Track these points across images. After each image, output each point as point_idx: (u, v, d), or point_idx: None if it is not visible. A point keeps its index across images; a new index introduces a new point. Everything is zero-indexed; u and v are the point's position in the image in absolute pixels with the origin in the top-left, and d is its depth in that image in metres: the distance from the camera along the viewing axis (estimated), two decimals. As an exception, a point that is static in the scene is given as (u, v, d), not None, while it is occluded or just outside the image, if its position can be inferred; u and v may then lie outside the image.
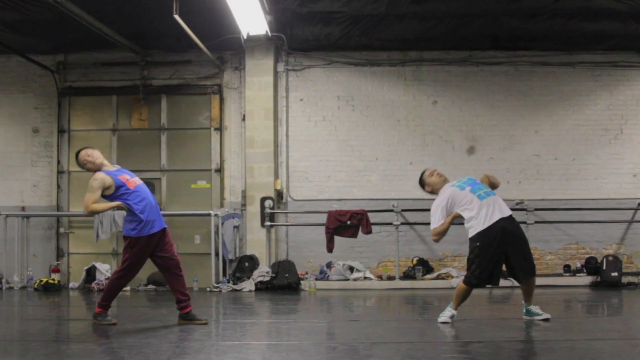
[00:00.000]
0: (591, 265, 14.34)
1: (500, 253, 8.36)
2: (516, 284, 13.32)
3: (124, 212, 8.74)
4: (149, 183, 14.60)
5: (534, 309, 8.75)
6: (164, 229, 8.71)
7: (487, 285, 8.68)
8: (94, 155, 8.62)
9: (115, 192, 8.48)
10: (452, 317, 8.62)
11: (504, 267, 8.61)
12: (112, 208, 8.72)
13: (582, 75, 15.33)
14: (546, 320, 8.60)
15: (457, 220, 8.61)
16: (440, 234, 8.62)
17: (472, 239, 8.44)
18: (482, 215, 8.36)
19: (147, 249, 8.56)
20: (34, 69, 15.59)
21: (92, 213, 8.82)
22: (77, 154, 8.81)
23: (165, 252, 8.70)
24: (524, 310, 8.83)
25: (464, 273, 14.07)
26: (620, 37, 14.50)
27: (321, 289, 13.84)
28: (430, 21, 13.98)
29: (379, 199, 15.05)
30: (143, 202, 8.50)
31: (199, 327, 8.49)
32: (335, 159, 15.35)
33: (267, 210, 14.82)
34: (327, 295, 13.09)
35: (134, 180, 8.64)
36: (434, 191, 8.87)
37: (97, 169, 8.57)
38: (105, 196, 8.52)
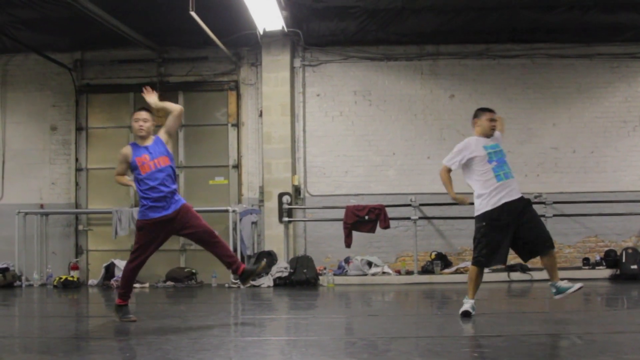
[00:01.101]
0: (610, 258, 14.24)
1: (509, 232, 8.36)
2: (535, 277, 13.38)
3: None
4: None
5: (563, 284, 8.53)
6: (179, 211, 8.61)
7: (495, 266, 8.60)
8: (137, 125, 8.72)
9: (130, 170, 8.67)
10: (472, 307, 8.54)
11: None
12: (128, 186, 8.77)
13: (600, 67, 15.24)
14: (580, 289, 8.42)
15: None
16: (442, 178, 8.79)
17: (479, 218, 8.45)
18: (493, 195, 8.39)
19: (154, 232, 8.54)
20: (52, 67, 15.68)
21: (118, 183, 8.98)
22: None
23: (192, 227, 8.63)
24: (553, 290, 8.57)
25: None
26: (639, 29, 14.40)
27: (339, 284, 13.82)
28: (447, 14, 13.96)
29: (396, 194, 15.00)
30: (150, 191, 8.46)
31: (217, 324, 8.50)
32: (353, 154, 15.33)
33: (285, 206, 14.83)
34: (346, 291, 13.09)
35: (153, 164, 8.56)
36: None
37: (139, 136, 8.71)
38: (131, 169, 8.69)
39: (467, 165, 8.63)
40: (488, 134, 8.76)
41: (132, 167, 8.59)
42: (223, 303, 11.20)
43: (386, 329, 8.23)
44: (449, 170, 8.74)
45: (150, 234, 8.55)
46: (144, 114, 8.75)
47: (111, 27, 13.41)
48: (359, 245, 14.58)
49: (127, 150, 8.65)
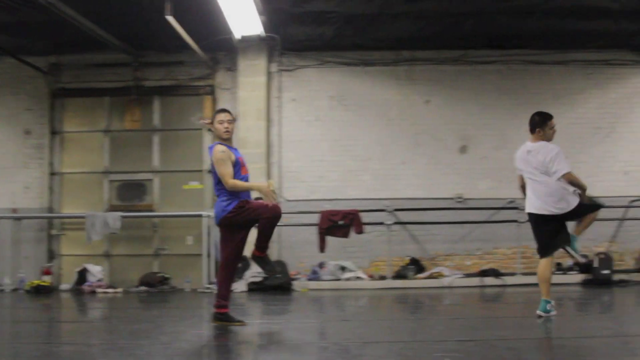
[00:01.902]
0: (583, 263, 14.32)
1: None
2: (507, 282, 13.53)
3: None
4: (140, 184, 14.79)
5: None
6: None
7: None
8: (222, 127, 8.38)
9: None
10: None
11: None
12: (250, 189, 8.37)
13: (575, 73, 15.33)
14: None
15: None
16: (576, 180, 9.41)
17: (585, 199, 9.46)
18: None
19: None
20: (26, 71, 15.51)
21: (234, 189, 8.20)
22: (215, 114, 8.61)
23: None
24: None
25: (456, 272, 14.33)
26: (613, 35, 14.51)
27: (313, 289, 13.82)
28: (424, 20, 13.98)
29: (371, 199, 14.98)
30: (244, 193, 8.34)
31: (189, 329, 8.46)
32: (328, 159, 15.32)
33: (260, 211, 14.77)
34: (319, 296, 13.08)
35: (247, 169, 8.47)
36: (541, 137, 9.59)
37: (222, 139, 8.41)
38: None
39: None
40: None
41: (234, 164, 8.26)
42: (196, 308, 11.16)
43: (359, 333, 8.25)
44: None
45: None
46: (228, 115, 8.45)
47: (87, 31, 13.34)
48: (333, 250, 14.55)
49: (225, 149, 8.25)
